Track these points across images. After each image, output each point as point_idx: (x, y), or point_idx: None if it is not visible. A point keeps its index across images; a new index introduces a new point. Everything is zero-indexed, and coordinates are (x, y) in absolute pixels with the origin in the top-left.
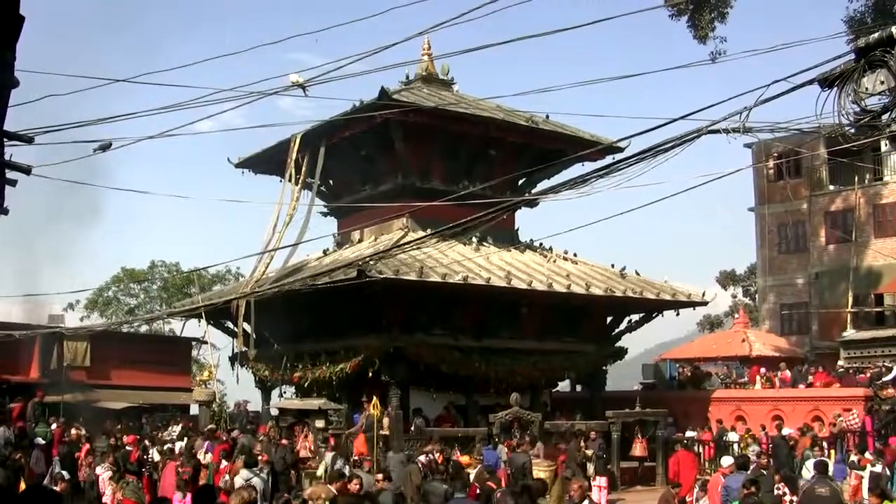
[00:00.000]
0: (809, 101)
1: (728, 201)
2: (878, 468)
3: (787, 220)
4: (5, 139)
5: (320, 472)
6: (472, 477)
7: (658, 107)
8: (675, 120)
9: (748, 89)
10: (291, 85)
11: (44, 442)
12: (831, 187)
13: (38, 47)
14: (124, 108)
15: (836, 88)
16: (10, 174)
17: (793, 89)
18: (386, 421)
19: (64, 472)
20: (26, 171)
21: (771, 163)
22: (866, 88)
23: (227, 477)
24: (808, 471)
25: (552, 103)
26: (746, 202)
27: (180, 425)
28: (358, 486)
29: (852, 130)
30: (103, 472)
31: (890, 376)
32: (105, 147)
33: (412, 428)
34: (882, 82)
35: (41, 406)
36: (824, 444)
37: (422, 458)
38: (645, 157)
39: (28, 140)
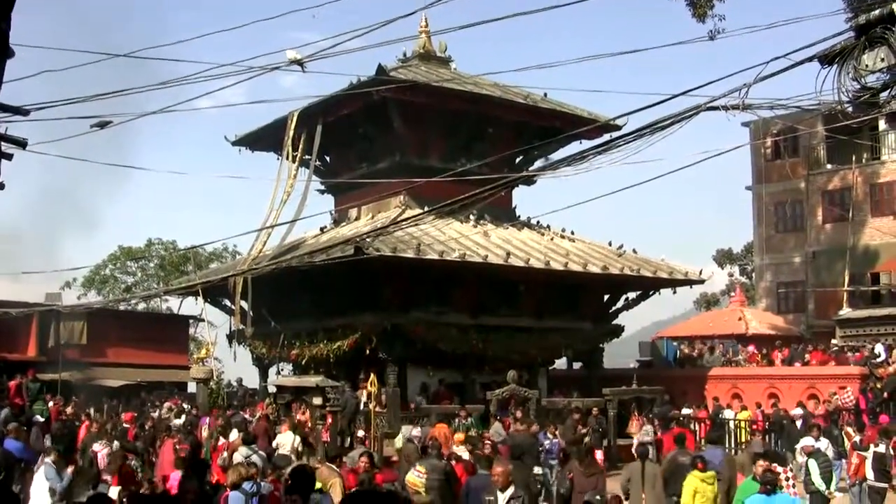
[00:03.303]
0: (809, 79)
1: (726, 180)
2: (882, 448)
3: (784, 199)
4: (0, 111)
5: (398, 443)
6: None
7: (657, 87)
8: (674, 96)
9: (747, 66)
10: (289, 62)
11: (42, 419)
12: (829, 166)
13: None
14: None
15: (835, 65)
16: (5, 148)
17: (792, 66)
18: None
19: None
20: (22, 144)
21: (769, 141)
22: (866, 65)
23: (225, 454)
24: (801, 452)
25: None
26: (744, 181)
27: (167, 403)
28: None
29: (851, 108)
30: (102, 450)
31: (880, 358)
32: (103, 124)
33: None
34: (882, 59)
35: (38, 383)
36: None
37: (415, 431)
38: (643, 133)
39: (24, 112)
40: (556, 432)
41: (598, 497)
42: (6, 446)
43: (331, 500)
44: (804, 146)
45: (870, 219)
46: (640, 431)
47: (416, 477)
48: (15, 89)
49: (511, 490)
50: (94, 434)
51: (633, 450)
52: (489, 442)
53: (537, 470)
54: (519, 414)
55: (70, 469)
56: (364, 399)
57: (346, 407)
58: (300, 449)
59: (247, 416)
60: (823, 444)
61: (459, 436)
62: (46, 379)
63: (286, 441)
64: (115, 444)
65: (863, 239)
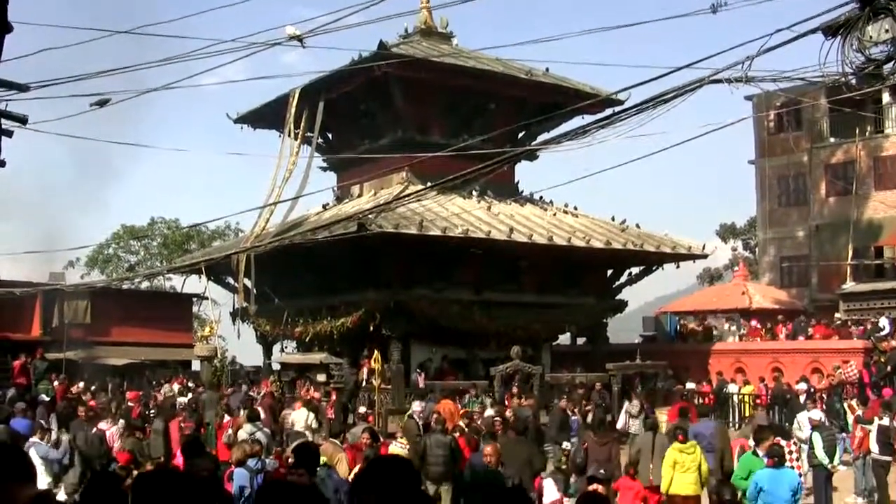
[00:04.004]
0: (812, 51)
1: (728, 154)
2: (886, 421)
3: (787, 173)
4: (0, 87)
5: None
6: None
7: (659, 61)
8: (677, 69)
9: (750, 39)
10: (289, 38)
11: (48, 399)
12: (832, 140)
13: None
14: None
15: (839, 37)
16: (5, 125)
17: (796, 38)
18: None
19: (44, 423)
20: (22, 120)
21: (772, 115)
22: (870, 37)
23: (230, 431)
24: (798, 427)
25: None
26: (747, 155)
27: (175, 383)
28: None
29: (855, 80)
30: (109, 428)
31: (885, 332)
32: (103, 102)
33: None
34: (887, 31)
35: (45, 363)
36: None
37: (416, 407)
38: (646, 107)
39: (24, 88)
40: (576, 410)
41: (601, 472)
42: (13, 425)
43: (337, 475)
44: (807, 120)
45: (873, 192)
46: (629, 405)
47: (398, 448)
48: (17, 68)
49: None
50: (93, 415)
51: (619, 426)
52: (498, 419)
53: (566, 445)
54: (515, 390)
55: (66, 439)
56: (365, 375)
57: (346, 384)
58: (314, 426)
59: (252, 393)
60: (817, 416)
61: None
62: (51, 358)
63: (300, 418)
64: (121, 422)
65: (866, 212)
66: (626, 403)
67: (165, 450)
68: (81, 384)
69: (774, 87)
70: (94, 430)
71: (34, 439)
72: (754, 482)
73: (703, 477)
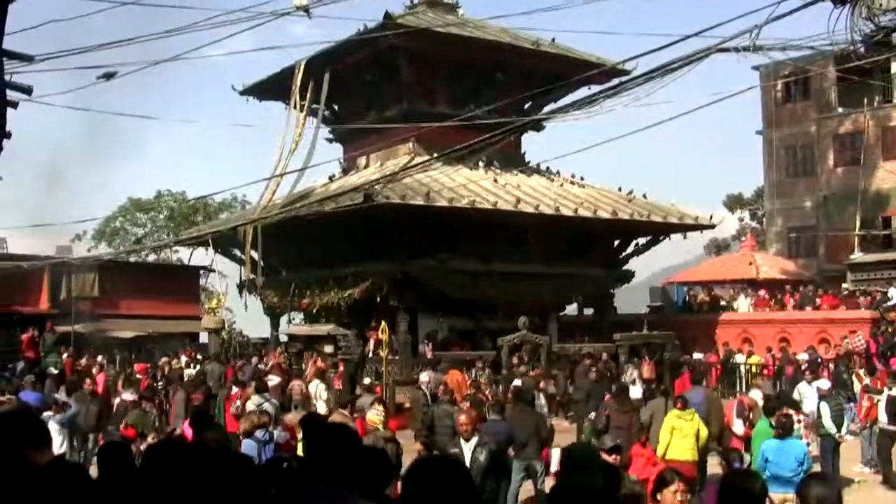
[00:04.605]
0: (821, 19)
1: (736, 125)
2: (895, 391)
3: (795, 143)
4: (4, 58)
5: None
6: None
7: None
8: (685, 38)
9: (759, 7)
10: (295, 8)
11: (56, 372)
12: (840, 110)
13: None
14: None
15: (848, 5)
16: (10, 96)
17: (805, 6)
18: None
19: (58, 397)
20: (27, 91)
21: (779, 84)
22: (880, 5)
23: (238, 403)
24: (799, 394)
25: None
26: (754, 125)
27: (183, 355)
28: None
29: (864, 49)
30: (132, 398)
31: (893, 301)
32: (110, 75)
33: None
34: None
35: (54, 336)
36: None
37: (423, 377)
38: (654, 76)
39: (28, 59)
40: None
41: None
42: (22, 398)
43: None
44: (815, 90)
45: (881, 162)
46: (626, 373)
47: (374, 415)
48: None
49: (475, 439)
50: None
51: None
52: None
53: (592, 416)
54: (516, 360)
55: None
56: (372, 347)
57: (353, 355)
58: (323, 396)
59: (261, 365)
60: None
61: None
62: (59, 331)
63: (313, 389)
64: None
65: (874, 183)
66: (650, 374)
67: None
68: (85, 360)
69: (783, 56)
70: (96, 402)
71: (48, 413)
72: (761, 452)
73: (702, 442)
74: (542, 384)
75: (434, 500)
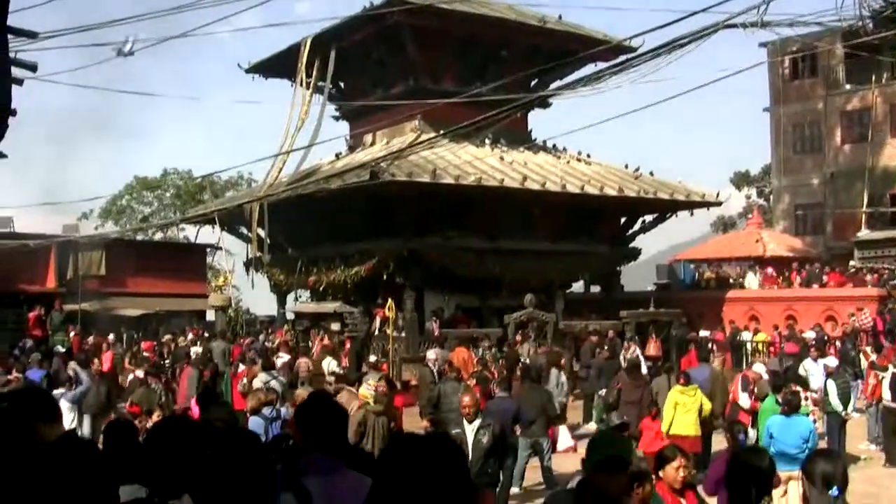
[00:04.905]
0: None
1: (743, 101)
2: None
3: (802, 120)
4: (9, 35)
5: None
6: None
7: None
8: (692, 14)
9: None
10: None
11: (63, 350)
12: (848, 86)
13: None
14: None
15: None
16: (15, 73)
17: None
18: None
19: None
20: (32, 67)
21: (787, 61)
22: None
23: (244, 381)
24: (804, 370)
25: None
26: (762, 102)
27: (190, 333)
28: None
29: (873, 24)
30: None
31: None
32: (125, 52)
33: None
34: None
35: (62, 315)
36: (837, 343)
37: (430, 354)
38: (660, 52)
39: (32, 35)
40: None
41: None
42: (30, 376)
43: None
44: (823, 66)
45: (889, 139)
46: (628, 351)
47: (365, 389)
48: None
49: (478, 421)
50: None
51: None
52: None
53: (602, 392)
54: (519, 337)
55: (85, 378)
56: (378, 324)
57: (360, 332)
58: (338, 372)
59: (268, 343)
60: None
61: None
62: (66, 310)
63: (325, 365)
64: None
65: (882, 160)
66: (656, 351)
67: (172, 400)
68: (92, 338)
69: (791, 32)
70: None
71: (59, 391)
72: (766, 428)
73: (704, 415)
74: (562, 361)
75: (405, 480)
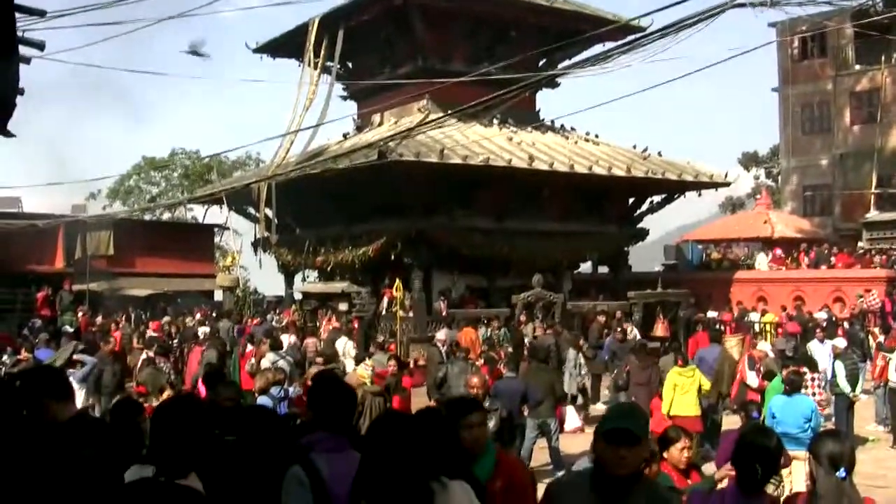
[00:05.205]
0: None
1: (752, 82)
2: None
3: (811, 101)
4: (17, 13)
5: None
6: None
7: None
8: None
9: None
10: None
11: (71, 330)
12: (857, 67)
13: None
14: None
15: None
16: (23, 51)
17: None
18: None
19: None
20: (40, 46)
21: (796, 41)
22: None
23: (252, 360)
24: (810, 351)
25: None
26: (770, 83)
27: (198, 313)
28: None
29: (883, 3)
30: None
31: None
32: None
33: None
34: None
35: (71, 295)
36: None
37: (440, 335)
38: (669, 32)
39: (40, 14)
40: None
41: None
42: (38, 356)
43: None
44: (832, 46)
45: None
46: (629, 332)
47: (362, 369)
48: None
49: (486, 403)
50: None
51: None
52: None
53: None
54: (523, 318)
55: (90, 361)
56: (386, 304)
57: (367, 313)
58: (352, 353)
59: (275, 323)
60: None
61: None
62: (75, 290)
63: (341, 346)
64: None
65: (891, 141)
66: (664, 332)
67: (180, 380)
68: (100, 318)
69: (800, 12)
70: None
71: (70, 371)
72: (769, 408)
73: (704, 392)
74: (581, 342)
75: (389, 453)
